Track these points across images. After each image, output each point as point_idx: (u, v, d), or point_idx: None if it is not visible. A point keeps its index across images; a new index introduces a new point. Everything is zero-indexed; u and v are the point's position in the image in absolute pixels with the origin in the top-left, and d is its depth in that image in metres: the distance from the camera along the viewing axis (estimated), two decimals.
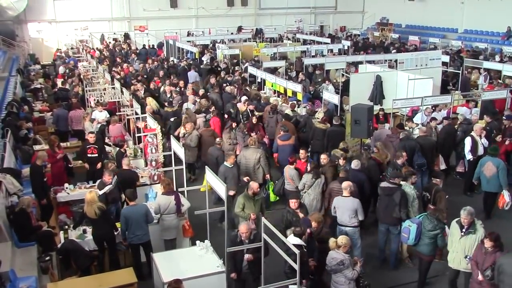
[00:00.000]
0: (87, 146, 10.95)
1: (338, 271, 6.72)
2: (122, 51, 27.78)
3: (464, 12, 31.15)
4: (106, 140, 12.57)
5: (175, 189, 8.86)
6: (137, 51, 26.83)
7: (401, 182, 8.45)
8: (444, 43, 28.83)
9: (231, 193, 9.29)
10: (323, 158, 9.79)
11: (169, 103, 14.86)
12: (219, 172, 9.55)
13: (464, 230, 7.08)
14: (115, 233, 8.34)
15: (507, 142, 11.23)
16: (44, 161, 9.97)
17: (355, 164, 9.41)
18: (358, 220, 8.22)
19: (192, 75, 19.60)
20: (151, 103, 14.53)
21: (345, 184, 8.31)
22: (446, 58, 20.56)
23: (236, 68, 21.00)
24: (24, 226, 8.30)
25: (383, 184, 8.55)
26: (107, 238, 8.21)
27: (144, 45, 29.67)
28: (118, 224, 8.55)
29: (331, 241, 6.95)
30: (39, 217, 9.29)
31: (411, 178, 8.58)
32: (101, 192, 8.83)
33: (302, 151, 10.20)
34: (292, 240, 6.65)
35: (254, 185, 8.45)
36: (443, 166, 11.60)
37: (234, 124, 12.11)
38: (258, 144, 11.00)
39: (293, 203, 8.06)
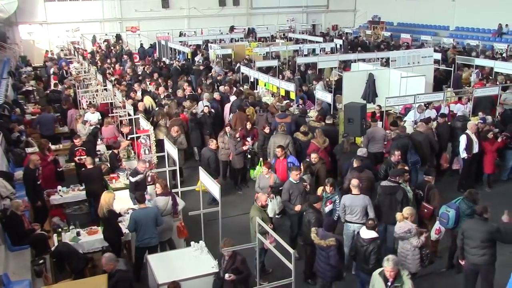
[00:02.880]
0: (75, 149, 10.92)
1: (405, 238, 7.24)
2: (115, 52, 27.70)
3: (456, 9, 31.30)
4: (99, 142, 12.49)
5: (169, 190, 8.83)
6: (131, 51, 27.00)
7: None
8: (436, 40, 28.94)
9: (298, 208, 8.60)
10: (313, 157, 9.72)
11: (174, 95, 15.87)
12: (283, 188, 8.88)
13: (389, 283, 6.10)
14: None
15: (499, 140, 11.27)
16: (37, 164, 9.90)
17: (363, 151, 9.65)
18: (366, 217, 8.05)
19: (217, 70, 20.23)
20: (147, 101, 14.67)
21: (355, 182, 8.15)
22: (438, 56, 20.64)
23: (214, 70, 20.71)
24: (16, 230, 8.24)
25: (384, 183, 8.48)
26: (111, 242, 8.23)
27: (141, 44, 29.87)
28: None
29: (398, 215, 7.42)
30: (33, 220, 9.22)
31: (403, 176, 8.61)
32: (133, 180, 9.19)
33: (278, 150, 10.06)
34: (366, 233, 6.95)
35: (263, 197, 8.13)
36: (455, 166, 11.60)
37: (228, 129, 12.04)
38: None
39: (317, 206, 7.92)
